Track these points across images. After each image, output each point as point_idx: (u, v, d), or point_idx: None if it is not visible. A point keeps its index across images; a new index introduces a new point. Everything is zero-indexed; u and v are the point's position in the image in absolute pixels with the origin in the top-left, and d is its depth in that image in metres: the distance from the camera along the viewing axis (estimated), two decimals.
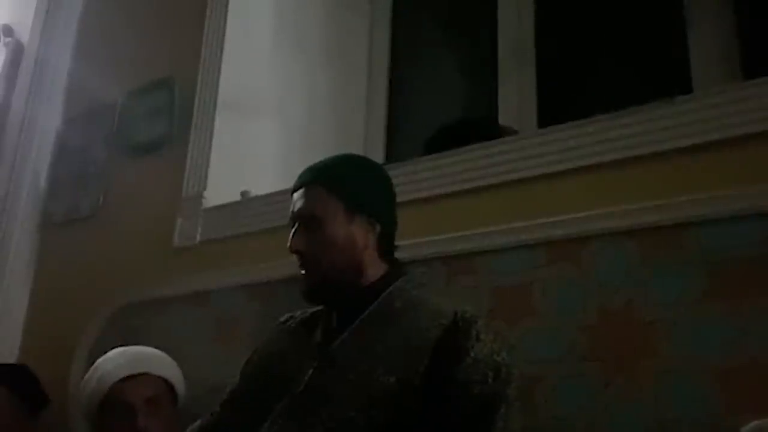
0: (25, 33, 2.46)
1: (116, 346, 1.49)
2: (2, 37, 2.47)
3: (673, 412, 1.07)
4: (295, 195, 1.11)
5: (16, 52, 2.44)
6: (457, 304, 1.02)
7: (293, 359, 1.06)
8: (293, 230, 1.09)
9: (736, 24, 1.66)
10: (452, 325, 0.97)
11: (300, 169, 1.90)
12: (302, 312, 1.17)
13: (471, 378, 0.92)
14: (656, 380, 1.10)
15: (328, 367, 1.00)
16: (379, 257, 1.09)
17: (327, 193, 1.08)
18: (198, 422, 1.18)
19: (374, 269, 1.08)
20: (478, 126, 1.75)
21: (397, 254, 1.13)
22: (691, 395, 1.06)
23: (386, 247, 1.10)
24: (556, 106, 1.86)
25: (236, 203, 1.80)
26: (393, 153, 2.14)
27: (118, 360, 1.43)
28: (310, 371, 1.00)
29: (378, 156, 2.13)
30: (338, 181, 1.09)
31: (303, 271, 1.08)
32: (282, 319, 1.19)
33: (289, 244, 1.08)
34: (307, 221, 1.08)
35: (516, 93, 1.92)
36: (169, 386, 1.45)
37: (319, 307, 1.14)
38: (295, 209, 1.10)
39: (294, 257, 1.10)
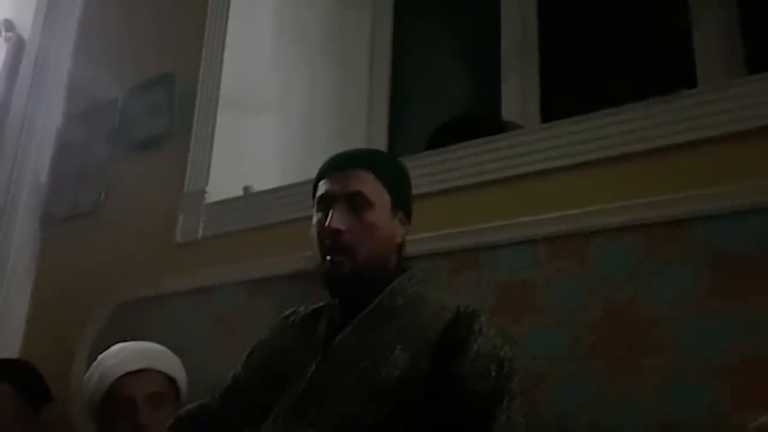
0: (26, 28, 2.45)
1: (118, 342, 1.49)
2: (3, 32, 2.46)
3: (677, 409, 1.07)
4: (334, 175, 1.05)
5: (17, 48, 2.44)
6: (460, 299, 1.02)
7: (296, 355, 1.05)
8: (329, 211, 1.02)
9: (740, 18, 1.65)
10: (455, 320, 0.97)
11: (303, 164, 1.90)
12: (305, 308, 1.17)
13: (474, 372, 0.91)
14: (660, 377, 1.09)
15: (330, 363, 0.99)
16: (397, 257, 1.08)
17: (377, 180, 1.05)
18: (192, 405, 1.18)
19: (389, 266, 1.07)
20: (481, 121, 1.74)
21: None
22: (695, 392, 1.06)
23: (402, 246, 1.10)
24: (559, 102, 1.85)
25: (238, 199, 1.80)
26: (395, 149, 2.13)
27: (120, 355, 1.43)
28: (313, 367, 1.00)
29: None
30: (389, 173, 1.08)
31: (333, 255, 1.01)
32: (285, 314, 1.19)
33: (327, 222, 1.01)
34: (354, 200, 1.02)
35: (519, 88, 1.91)
36: (172, 382, 1.44)
37: (321, 303, 1.13)
38: (339, 188, 1.03)
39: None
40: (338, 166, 1.07)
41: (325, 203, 1.04)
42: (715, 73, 1.60)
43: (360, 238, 1.01)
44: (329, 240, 1.01)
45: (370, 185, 1.04)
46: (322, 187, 1.06)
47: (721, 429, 1.02)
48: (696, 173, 1.17)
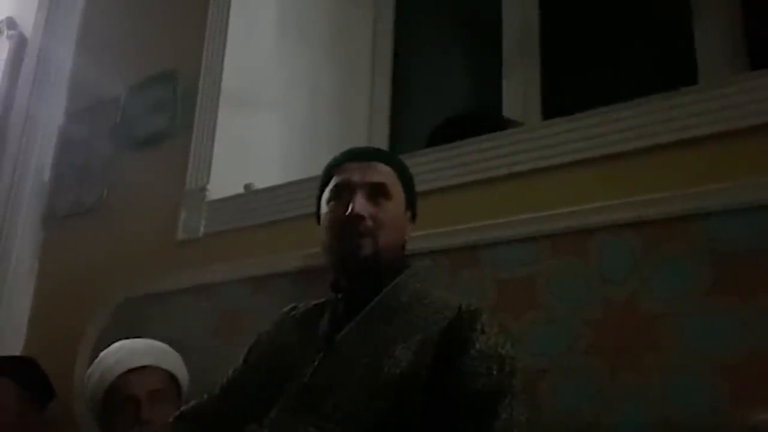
0: (28, 26, 2.45)
1: (120, 339, 1.50)
2: (6, 30, 2.46)
3: (677, 406, 1.07)
4: (354, 165, 1.07)
5: (20, 45, 2.44)
6: (462, 297, 1.02)
7: (298, 350, 1.05)
8: (348, 199, 1.03)
9: (742, 15, 1.64)
10: (457, 318, 0.97)
11: (304, 162, 1.89)
12: (306, 303, 1.17)
13: (475, 370, 0.92)
14: (661, 374, 1.09)
15: (333, 359, 1.00)
16: (401, 254, 1.10)
17: (397, 178, 1.09)
18: (193, 402, 1.18)
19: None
20: (483, 118, 1.74)
21: None
22: (696, 388, 1.06)
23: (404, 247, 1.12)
24: (560, 99, 1.85)
25: (240, 196, 1.80)
26: (396, 146, 2.13)
27: (121, 352, 1.43)
28: (316, 363, 1.00)
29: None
30: (405, 172, 1.12)
31: (354, 239, 1.01)
32: (285, 309, 1.19)
33: (349, 208, 1.01)
34: (375, 190, 1.05)
35: (520, 85, 1.91)
36: (173, 379, 1.45)
37: (322, 299, 1.14)
38: (361, 177, 1.05)
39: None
40: (359, 157, 1.10)
41: (344, 191, 1.05)
42: (717, 70, 1.60)
43: (380, 227, 1.03)
44: (350, 226, 1.02)
45: (391, 179, 1.08)
46: (340, 176, 1.07)
47: (721, 426, 1.02)
48: (697, 170, 1.17)
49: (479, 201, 1.39)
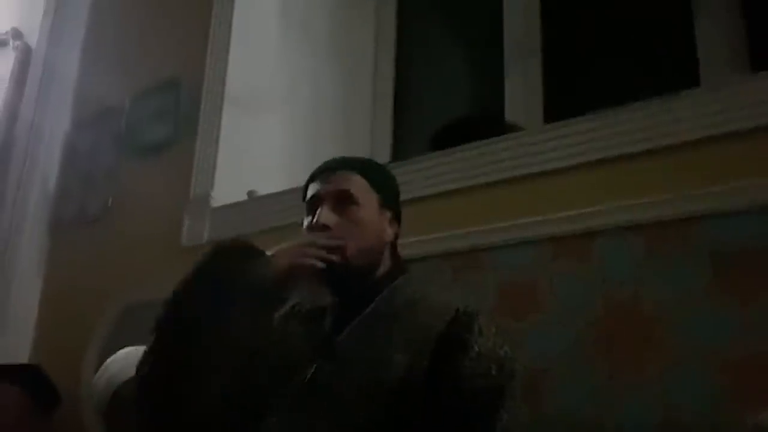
0: (33, 36, 2.48)
1: (125, 346, 1.50)
2: (11, 41, 2.49)
3: (679, 406, 1.07)
4: (323, 177, 1.08)
5: (25, 56, 2.46)
6: (458, 300, 1.02)
7: (299, 350, 1.06)
8: (317, 210, 1.05)
9: (744, 16, 1.64)
10: (454, 322, 0.97)
11: (308, 167, 1.89)
12: (312, 301, 1.17)
13: (475, 372, 0.91)
14: (662, 373, 1.10)
15: (332, 363, 1.00)
16: (391, 255, 1.09)
17: (364, 180, 1.08)
18: None
19: (385, 266, 1.08)
20: (484, 122, 1.75)
21: (403, 251, 1.13)
22: (697, 388, 1.06)
23: (396, 247, 1.11)
24: (562, 101, 1.85)
25: (243, 203, 1.81)
26: (399, 149, 2.14)
27: (127, 359, 1.44)
28: (315, 365, 1.00)
29: (385, 152, 2.13)
30: (375, 174, 1.11)
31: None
32: (290, 305, 1.19)
33: (314, 220, 1.03)
34: (340, 199, 1.05)
35: (522, 88, 1.91)
36: None
37: (327, 301, 1.14)
38: (326, 188, 1.06)
39: None
40: (325, 169, 1.10)
41: (314, 204, 1.07)
42: (719, 71, 1.60)
43: (349, 232, 1.03)
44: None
45: (356, 184, 1.07)
46: (310, 191, 1.09)
47: (722, 425, 1.02)
48: (699, 172, 1.17)
49: (481, 205, 1.39)
